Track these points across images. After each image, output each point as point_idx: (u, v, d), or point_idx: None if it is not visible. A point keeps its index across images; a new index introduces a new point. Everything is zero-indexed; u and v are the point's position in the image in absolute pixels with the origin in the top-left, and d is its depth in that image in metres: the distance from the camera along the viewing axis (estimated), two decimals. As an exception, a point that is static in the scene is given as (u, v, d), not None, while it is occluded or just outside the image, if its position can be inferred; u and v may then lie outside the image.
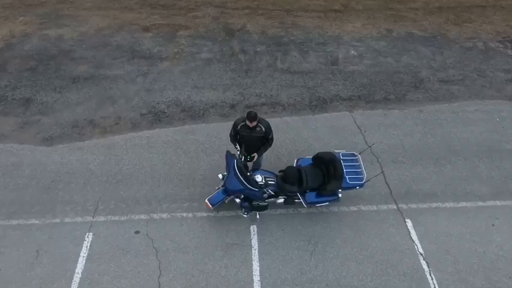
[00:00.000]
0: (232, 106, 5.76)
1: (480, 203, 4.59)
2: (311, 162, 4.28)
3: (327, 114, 5.69)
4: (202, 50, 6.78)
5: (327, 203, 4.27)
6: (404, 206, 4.53)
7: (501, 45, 7.12)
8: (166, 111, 5.65)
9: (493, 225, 4.37)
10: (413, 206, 4.54)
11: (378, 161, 5.01)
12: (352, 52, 6.84)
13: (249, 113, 3.88)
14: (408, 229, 4.31)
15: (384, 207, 4.52)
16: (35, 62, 6.39)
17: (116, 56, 6.56)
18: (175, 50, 6.76)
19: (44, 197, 4.51)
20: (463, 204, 4.58)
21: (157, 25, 7.31)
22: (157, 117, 5.55)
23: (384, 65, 6.60)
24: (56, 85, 5.99)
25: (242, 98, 5.89)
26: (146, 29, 7.19)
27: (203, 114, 5.63)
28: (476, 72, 6.52)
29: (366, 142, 5.17)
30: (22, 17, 7.36)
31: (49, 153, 5.01)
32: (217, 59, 6.59)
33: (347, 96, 5.98)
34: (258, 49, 6.83)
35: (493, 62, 6.72)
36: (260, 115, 4.10)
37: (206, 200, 4.12)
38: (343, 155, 4.30)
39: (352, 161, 4.28)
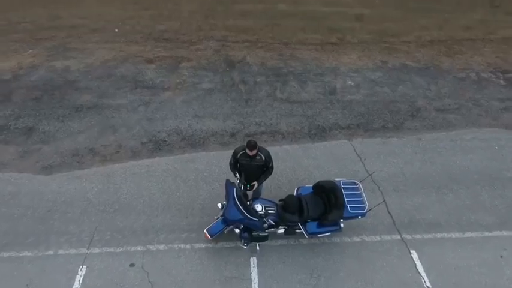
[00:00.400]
0: (233, 135, 5.82)
1: (486, 233, 4.48)
2: (311, 191, 4.24)
3: (326, 142, 5.72)
4: (203, 80, 6.98)
5: (329, 233, 4.16)
6: (408, 237, 4.41)
7: (493, 76, 7.35)
8: (166, 139, 5.69)
9: (501, 256, 4.23)
10: (418, 236, 4.42)
11: (379, 189, 4.96)
12: (349, 82, 7.04)
13: (248, 142, 3.90)
14: (414, 261, 4.16)
15: (388, 237, 4.40)
16: (40, 92, 6.55)
17: (119, 86, 6.74)
18: (178, 80, 6.96)
19: (38, 228, 4.40)
20: (468, 234, 4.46)
21: (160, 57, 7.59)
22: (157, 146, 5.58)
23: (381, 95, 6.76)
24: (59, 114, 6.09)
25: (242, 127, 5.96)
26: (150, 61, 7.45)
27: (203, 142, 5.67)
28: (471, 102, 6.66)
29: (366, 170, 5.15)
30: (31, 50, 7.67)
31: (47, 182, 4.97)
32: (218, 89, 6.76)
33: (346, 125, 6.05)
34: (258, 80, 7.03)
35: (487, 92, 6.90)
36: (260, 144, 4.13)
37: (205, 231, 4.02)
38: (344, 184, 4.26)
39: (353, 189, 4.23)
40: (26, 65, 7.22)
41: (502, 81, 7.19)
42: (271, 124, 6.04)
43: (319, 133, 5.89)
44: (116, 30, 8.43)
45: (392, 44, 8.29)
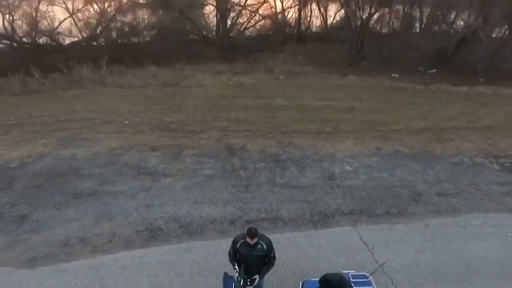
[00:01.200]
0: (232, 222, 5.62)
1: None
2: (318, 285, 3.82)
3: (329, 229, 5.48)
4: (204, 166, 7.16)
5: None
6: None
7: (486, 161, 7.58)
8: (163, 227, 5.46)
9: None
10: None
11: (392, 283, 4.50)
12: (347, 168, 7.21)
13: (249, 230, 3.73)
14: None
15: None
16: (43, 179, 6.63)
17: (121, 173, 6.86)
18: (179, 167, 7.13)
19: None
20: None
21: (165, 145, 7.98)
22: (153, 234, 5.31)
23: (380, 180, 6.83)
24: (56, 201, 6.01)
25: (242, 213, 5.81)
26: (154, 149, 7.80)
27: (201, 230, 5.42)
28: (471, 186, 6.68)
29: (376, 261, 4.77)
30: (43, 140, 8.11)
31: (28, 277, 4.54)
32: (218, 175, 6.86)
33: (348, 211, 5.91)
34: (258, 166, 7.21)
35: (484, 176, 6.99)
36: (261, 231, 3.94)
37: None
38: (353, 277, 3.88)
39: (364, 283, 3.83)
40: (35, 154, 7.51)
41: (496, 166, 7.37)
42: (271, 210, 5.90)
43: (322, 219, 5.69)
44: (126, 122, 9.12)
45: (383, 132, 8.84)
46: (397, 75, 14.68)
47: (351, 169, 7.15)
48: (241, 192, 6.37)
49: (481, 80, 14.09)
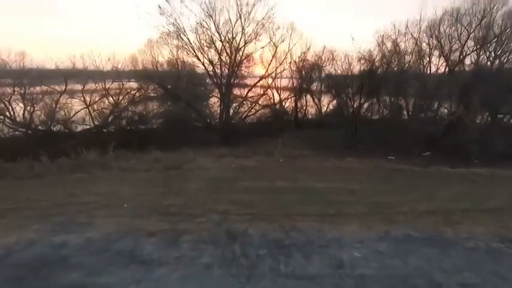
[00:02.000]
0: (232, 321, 4.92)
1: None
2: None
3: (344, 331, 4.75)
4: (203, 254, 6.69)
5: None
6: None
7: (503, 245, 7.12)
8: (152, 329, 4.75)
9: None
10: None
11: None
12: (356, 254, 6.72)
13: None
14: None
15: None
16: (27, 269, 6.10)
17: (113, 262, 6.36)
18: (176, 254, 6.65)
19: None
20: None
21: (162, 230, 7.63)
22: (140, 339, 4.58)
23: (393, 268, 6.28)
24: (36, 296, 5.39)
25: (243, 310, 5.14)
26: (151, 234, 7.42)
27: (196, 333, 4.70)
28: (493, 274, 6.10)
29: None
30: (36, 225, 7.80)
31: None
32: (218, 264, 6.34)
33: (363, 306, 5.24)
34: (260, 252, 6.74)
35: (505, 263, 6.45)
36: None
37: None
38: None
39: None
40: (25, 241, 7.12)
41: (515, 251, 6.88)
42: (276, 306, 5.24)
43: (334, 317, 5.00)
44: (125, 205, 8.96)
45: (389, 215, 8.57)
46: (393, 158, 15.15)
47: (360, 256, 6.66)
48: (243, 284, 5.78)
49: (476, 161, 14.49)
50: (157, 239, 7.22)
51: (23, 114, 18.27)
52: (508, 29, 20.28)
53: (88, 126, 20.09)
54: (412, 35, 22.39)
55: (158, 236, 7.35)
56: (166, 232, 7.54)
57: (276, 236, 7.45)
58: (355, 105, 21.38)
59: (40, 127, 18.29)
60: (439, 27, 21.85)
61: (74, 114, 19.52)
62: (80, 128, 19.88)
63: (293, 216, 8.45)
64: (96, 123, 20.13)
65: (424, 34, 22.28)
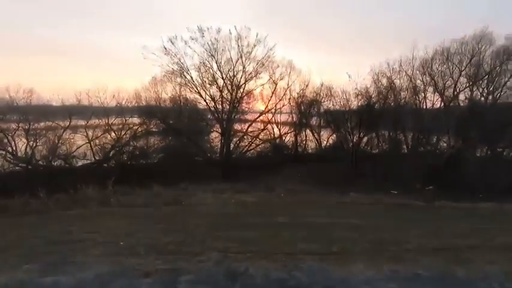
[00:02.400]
0: None
1: None
2: None
3: None
4: (201, 296, 6.30)
5: None
6: None
7: (518, 286, 6.73)
8: None
9: None
10: None
11: None
12: (364, 296, 6.32)
13: None
14: None
15: None
16: (13, 314, 5.72)
17: (105, 306, 5.97)
18: (173, 297, 6.27)
19: None
20: None
21: (159, 270, 7.27)
22: None
23: (404, 311, 5.87)
24: None
25: None
26: (147, 275, 7.05)
27: None
28: (512, 319, 5.69)
29: None
30: (27, 265, 7.45)
31: None
32: (216, 307, 5.95)
33: None
34: (262, 294, 6.36)
35: (523, 305, 6.05)
36: None
37: None
38: None
39: None
40: (13, 283, 6.75)
41: (533, 294, 6.49)
42: None
43: None
44: (121, 243, 8.63)
45: (395, 252, 8.22)
46: (395, 192, 14.95)
47: (368, 298, 6.27)
48: (243, 330, 5.37)
49: (480, 195, 14.27)
50: (153, 280, 6.85)
51: (25, 149, 18.44)
52: (498, 67, 21.23)
53: (89, 161, 20.17)
54: (406, 72, 23.43)
55: (154, 277, 6.98)
56: (163, 272, 7.18)
57: (278, 275, 7.08)
58: (354, 139, 21.65)
59: (41, 162, 18.35)
60: (432, 65, 22.93)
61: (76, 149, 19.71)
62: (80, 163, 19.95)
63: (295, 254, 8.11)
64: (97, 158, 20.23)
65: (418, 72, 23.30)
